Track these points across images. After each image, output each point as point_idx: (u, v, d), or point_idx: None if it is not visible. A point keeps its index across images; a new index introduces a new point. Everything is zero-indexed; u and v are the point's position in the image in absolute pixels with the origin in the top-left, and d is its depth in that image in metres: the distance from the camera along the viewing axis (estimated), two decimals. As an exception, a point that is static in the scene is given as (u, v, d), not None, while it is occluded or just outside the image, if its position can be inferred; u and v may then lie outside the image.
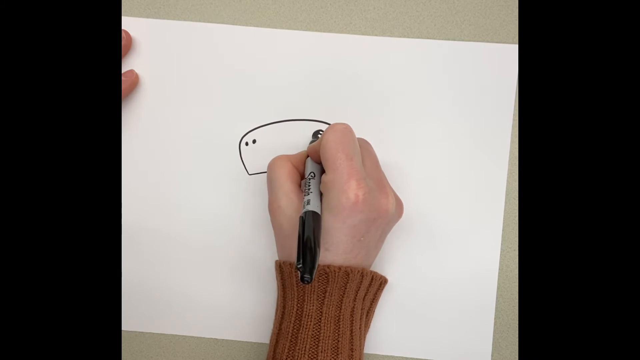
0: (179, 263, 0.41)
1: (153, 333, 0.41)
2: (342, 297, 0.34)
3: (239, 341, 0.41)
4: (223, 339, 0.41)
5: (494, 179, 0.40)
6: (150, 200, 0.41)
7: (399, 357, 0.40)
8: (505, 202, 0.40)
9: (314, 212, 0.32)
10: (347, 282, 0.34)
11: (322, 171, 0.35)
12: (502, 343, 0.40)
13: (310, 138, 0.40)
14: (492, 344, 0.40)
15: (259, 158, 0.41)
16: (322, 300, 0.34)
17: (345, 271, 0.34)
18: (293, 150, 0.39)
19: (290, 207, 0.35)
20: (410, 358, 0.40)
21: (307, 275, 0.28)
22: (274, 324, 0.36)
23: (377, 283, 0.37)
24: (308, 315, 0.34)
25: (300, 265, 0.29)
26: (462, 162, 0.40)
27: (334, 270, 0.33)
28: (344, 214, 0.32)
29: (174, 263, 0.41)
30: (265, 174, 0.40)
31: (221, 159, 0.41)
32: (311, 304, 0.34)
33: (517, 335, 0.40)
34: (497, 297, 0.40)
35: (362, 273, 0.35)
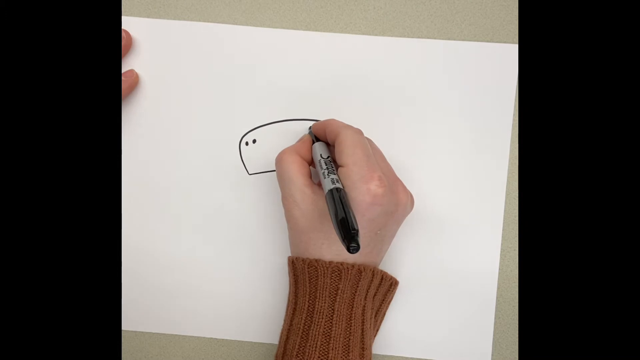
0: (178, 263, 0.41)
1: (153, 333, 0.41)
2: (354, 295, 0.34)
3: (239, 341, 0.41)
4: (223, 339, 0.41)
5: (494, 179, 0.40)
6: (149, 200, 0.41)
7: (399, 357, 0.40)
8: (505, 202, 0.40)
9: (343, 190, 0.32)
10: (359, 280, 0.34)
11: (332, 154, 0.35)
12: (502, 343, 0.40)
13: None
14: (492, 344, 0.40)
15: (259, 158, 0.41)
16: (334, 297, 0.34)
17: (358, 269, 0.34)
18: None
19: (306, 202, 0.34)
20: (411, 358, 0.40)
21: (353, 245, 0.28)
22: (285, 320, 0.36)
23: (387, 283, 0.37)
24: (319, 312, 0.34)
25: (344, 239, 0.29)
26: (462, 162, 0.40)
27: (347, 268, 0.33)
28: (363, 207, 0.32)
29: (174, 263, 0.41)
30: (266, 173, 0.40)
31: (221, 159, 0.41)
32: (323, 301, 0.34)
33: (517, 335, 0.40)
34: (497, 297, 0.40)
35: (373, 272, 0.35)
